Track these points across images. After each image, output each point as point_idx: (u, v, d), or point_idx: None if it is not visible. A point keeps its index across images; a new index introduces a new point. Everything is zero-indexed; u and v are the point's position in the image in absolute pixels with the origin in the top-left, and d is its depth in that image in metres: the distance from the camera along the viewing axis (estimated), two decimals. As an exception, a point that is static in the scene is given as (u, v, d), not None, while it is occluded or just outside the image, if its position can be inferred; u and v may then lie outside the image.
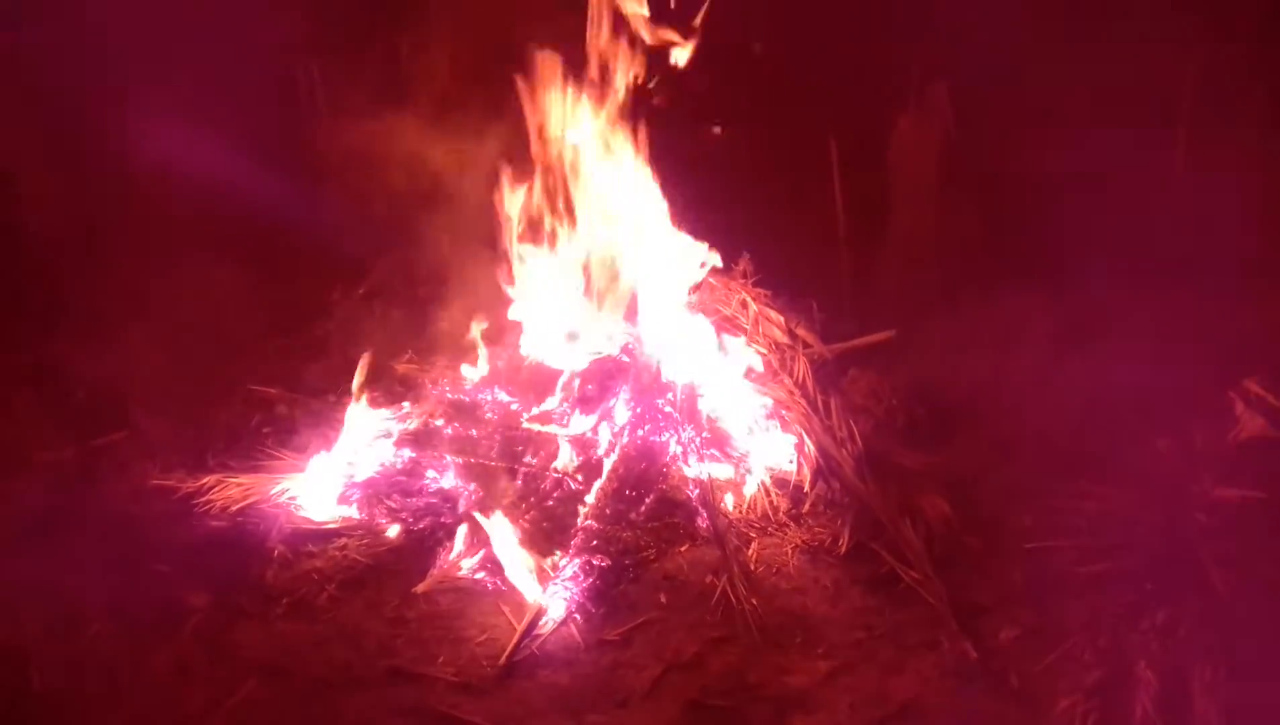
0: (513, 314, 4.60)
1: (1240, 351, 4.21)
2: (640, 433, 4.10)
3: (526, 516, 3.90)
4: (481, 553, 3.84)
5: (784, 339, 4.57)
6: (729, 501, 4.11)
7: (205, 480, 4.18)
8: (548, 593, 3.62)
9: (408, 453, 4.22)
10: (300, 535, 3.96)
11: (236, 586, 3.70)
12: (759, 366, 4.43)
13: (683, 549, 3.88)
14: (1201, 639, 3.15)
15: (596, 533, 3.82)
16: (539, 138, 4.44)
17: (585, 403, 4.22)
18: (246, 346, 5.25)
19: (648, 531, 3.91)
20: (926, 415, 4.46)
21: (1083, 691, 3.10)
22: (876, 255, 5.70)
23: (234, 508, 4.08)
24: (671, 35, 4.37)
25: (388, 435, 4.31)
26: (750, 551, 3.87)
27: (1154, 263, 4.75)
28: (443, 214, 5.29)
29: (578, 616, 3.57)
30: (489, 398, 4.38)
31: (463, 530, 3.91)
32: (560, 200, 4.51)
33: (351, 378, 4.61)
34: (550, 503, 3.98)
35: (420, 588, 3.72)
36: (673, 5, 4.41)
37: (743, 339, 4.51)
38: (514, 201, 4.52)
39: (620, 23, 4.34)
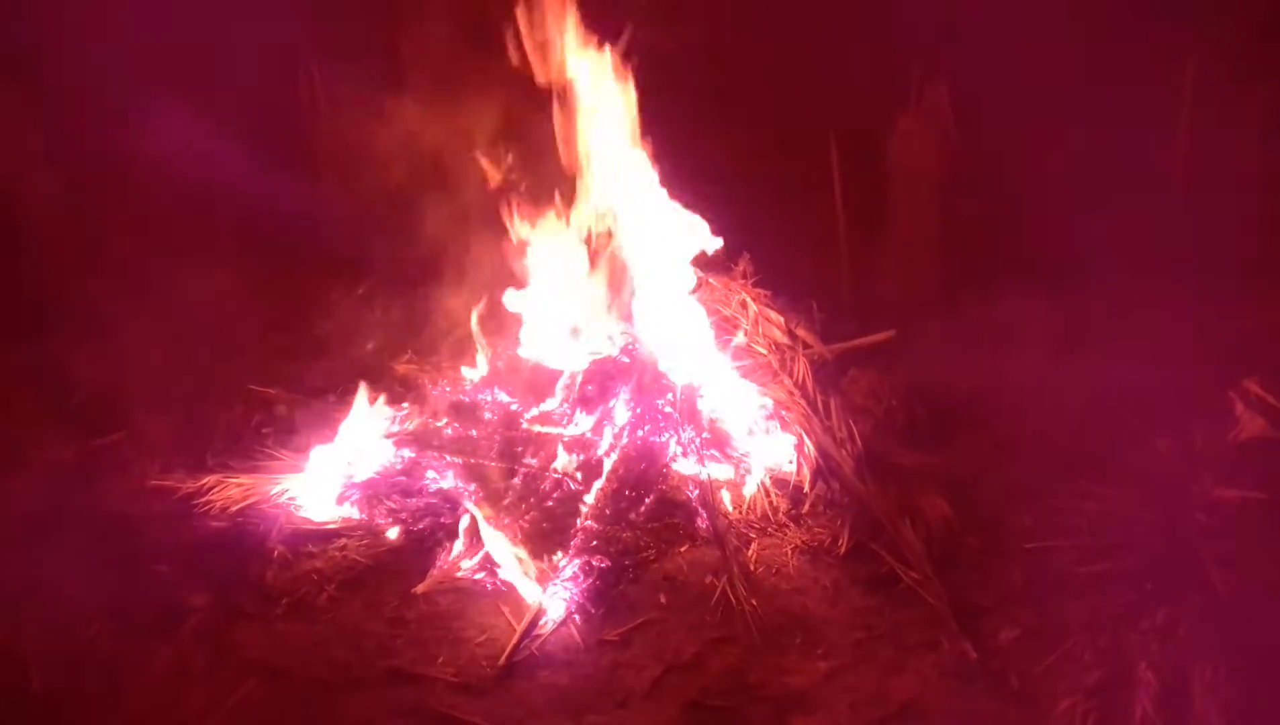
0: (514, 313, 4.60)
1: (1240, 351, 4.22)
2: (640, 433, 4.10)
3: (526, 517, 3.89)
4: (481, 553, 3.84)
5: (784, 339, 4.57)
6: (729, 502, 4.10)
7: (205, 480, 4.18)
8: (547, 593, 3.62)
9: (407, 453, 4.22)
10: (300, 536, 3.96)
11: (236, 587, 3.70)
12: (759, 367, 4.42)
13: (682, 549, 3.88)
14: (1201, 639, 3.15)
15: (596, 533, 3.82)
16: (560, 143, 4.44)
17: (585, 403, 4.22)
18: (246, 346, 5.24)
19: (647, 532, 3.91)
20: (926, 415, 4.46)
21: (1083, 692, 3.10)
22: (876, 256, 5.70)
23: (234, 508, 4.08)
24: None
25: (388, 435, 4.31)
26: (750, 552, 3.87)
27: (1154, 263, 4.75)
28: (443, 214, 5.28)
29: (577, 617, 3.57)
30: (489, 398, 4.38)
31: (463, 531, 3.91)
32: (563, 198, 4.52)
33: (352, 377, 4.61)
34: (550, 503, 3.98)
35: (420, 588, 3.72)
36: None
37: (743, 339, 4.51)
38: (518, 202, 4.53)
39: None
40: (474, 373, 4.59)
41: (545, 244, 4.58)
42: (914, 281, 5.52)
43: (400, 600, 3.68)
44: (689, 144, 4.57)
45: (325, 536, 3.98)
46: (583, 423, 4.19)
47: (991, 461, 4.15)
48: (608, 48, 4.36)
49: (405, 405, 4.52)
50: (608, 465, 4.04)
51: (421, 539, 3.96)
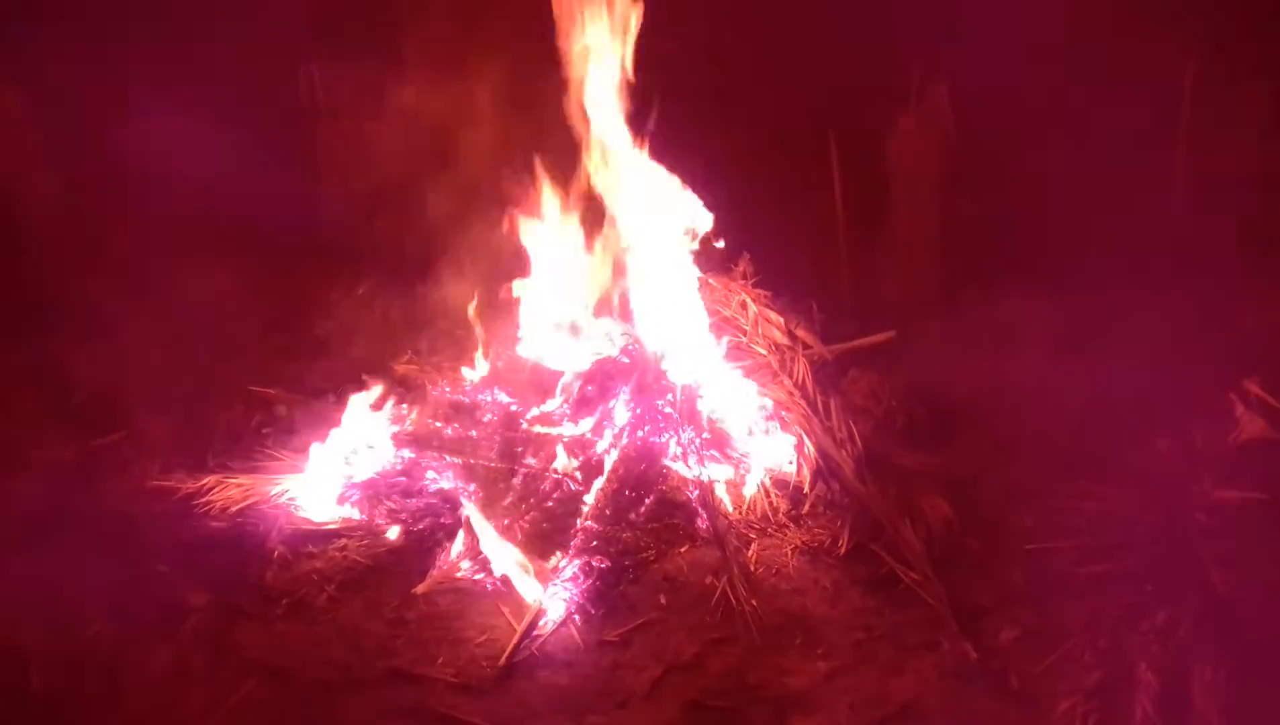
0: (514, 313, 4.60)
1: (1240, 352, 4.21)
2: (640, 433, 4.10)
3: (526, 517, 3.90)
4: (481, 553, 3.83)
5: (784, 340, 4.57)
6: (729, 502, 4.10)
7: (205, 481, 4.18)
8: (547, 594, 3.62)
9: (407, 453, 4.22)
10: (300, 536, 3.96)
11: (236, 587, 3.70)
12: (759, 367, 4.42)
13: (682, 550, 3.88)
14: (1202, 640, 3.15)
15: (596, 534, 3.82)
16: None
17: (585, 403, 4.22)
18: (246, 346, 5.24)
19: (647, 532, 3.91)
20: (926, 416, 4.45)
21: (1083, 692, 3.10)
22: (876, 256, 5.69)
23: (234, 508, 4.08)
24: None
25: (388, 436, 4.30)
26: (750, 552, 3.87)
27: (1154, 263, 4.75)
28: (443, 213, 5.29)
29: (577, 617, 3.57)
30: (489, 398, 4.38)
31: (463, 531, 3.91)
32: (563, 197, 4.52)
33: (351, 378, 4.61)
34: (550, 504, 3.98)
35: (420, 589, 3.72)
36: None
37: (743, 340, 4.52)
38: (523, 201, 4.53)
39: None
40: (474, 373, 4.59)
41: (546, 243, 4.58)
42: (914, 282, 5.52)
43: (400, 601, 3.68)
44: (689, 144, 4.55)
45: (325, 537, 3.98)
46: (583, 423, 4.19)
47: (992, 462, 4.15)
48: (611, 49, 4.36)
49: (405, 405, 4.52)
50: (608, 465, 4.04)
51: (421, 539, 3.96)
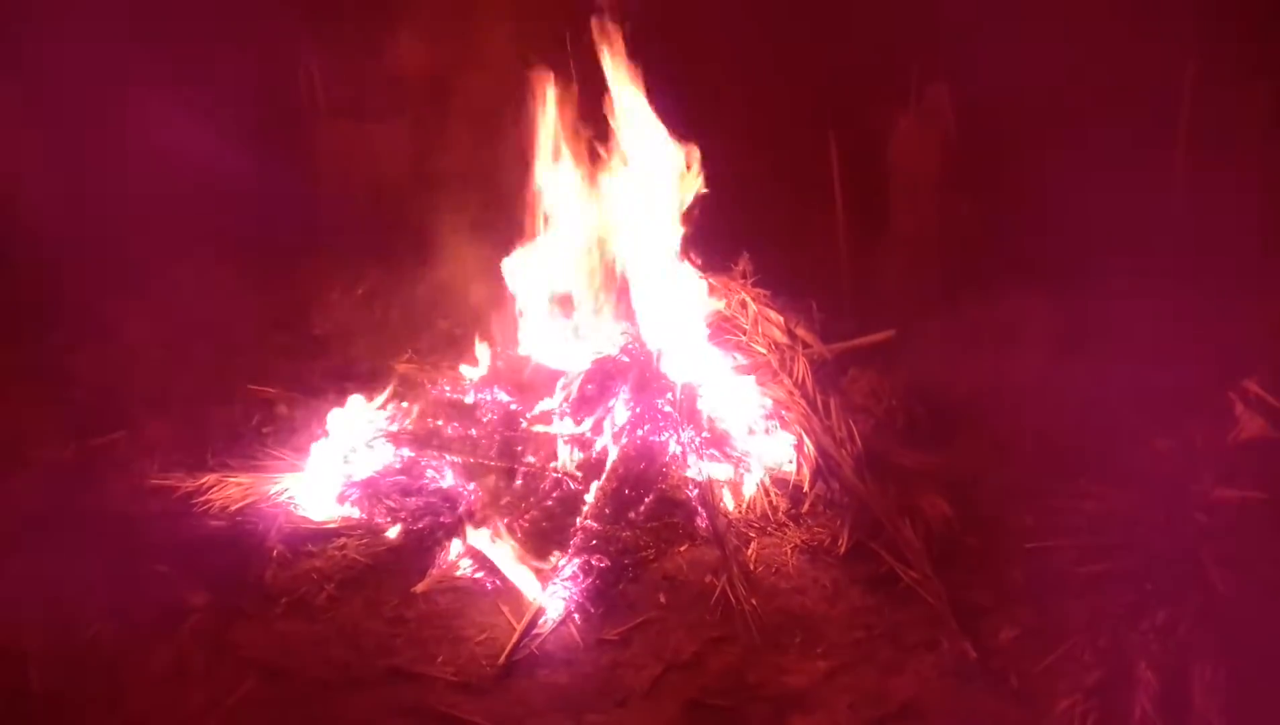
0: (514, 312, 4.61)
1: (1240, 351, 4.21)
2: (640, 432, 4.10)
3: (526, 516, 3.90)
4: (481, 553, 3.83)
5: (783, 339, 4.56)
6: (728, 501, 4.10)
7: (204, 480, 4.18)
8: (547, 592, 3.62)
9: (407, 452, 4.22)
10: (299, 535, 3.96)
11: (235, 586, 3.70)
12: (759, 366, 4.42)
13: (682, 549, 3.88)
14: (1202, 639, 3.15)
15: (596, 533, 3.82)
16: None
17: (585, 402, 4.22)
18: (246, 345, 5.24)
19: (647, 531, 3.91)
20: (926, 415, 4.46)
21: (1082, 692, 3.10)
22: (876, 255, 5.70)
23: (233, 507, 4.08)
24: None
25: (387, 435, 4.30)
26: (749, 551, 3.87)
27: (1154, 262, 4.76)
28: (444, 213, 5.29)
29: (577, 616, 3.57)
30: (488, 397, 4.38)
31: (462, 531, 3.91)
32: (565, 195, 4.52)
33: (351, 377, 4.61)
34: (549, 503, 3.98)
35: (419, 587, 3.72)
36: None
37: (743, 339, 4.52)
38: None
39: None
40: (474, 372, 4.59)
41: (546, 242, 4.58)
42: (914, 281, 5.52)
43: (400, 599, 3.67)
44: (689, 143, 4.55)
45: (325, 536, 3.98)
46: (582, 422, 4.19)
47: (991, 461, 4.15)
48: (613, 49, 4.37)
49: (405, 404, 4.52)
50: (607, 464, 4.04)
51: (421, 538, 3.95)
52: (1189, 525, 3.55)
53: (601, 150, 4.46)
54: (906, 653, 3.39)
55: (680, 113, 4.46)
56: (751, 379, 4.37)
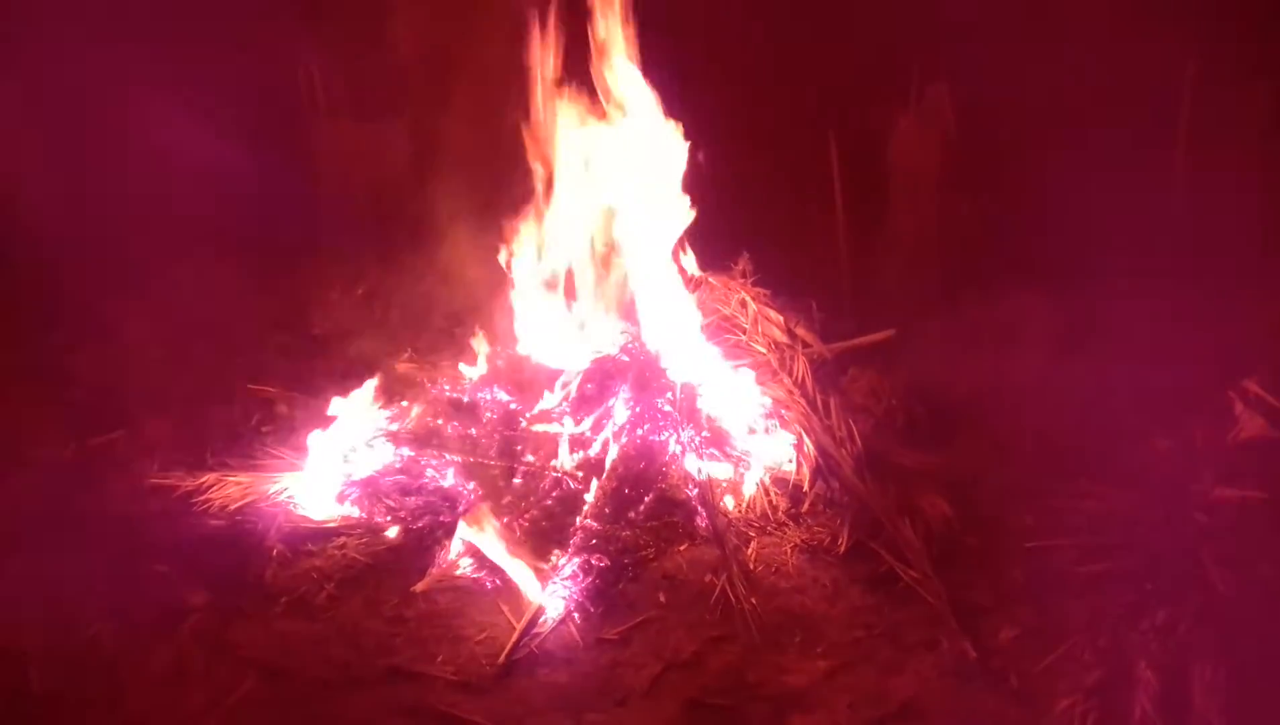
0: (515, 311, 4.61)
1: (1240, 351, 4.22)
2: (640, 432, 4.10)
3: (526, 516, 3.90)
4: (480, 552, 3.83)
5: (783, 338, 4.57)
6: (728, 501, 4.10)
7: (204, 479, 4.18)
8: (547, 592, 3.61)
9: (407, 451, 4.22)
10: (299, 534, 3.95)
11: (235, 585, 3.69)
12: (758, 366, 4.42)
13: (682, 548, 3.87)
14: (1201, 639, 3.15)
15: (595, 532, 3.82)
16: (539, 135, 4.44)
17: (585, 402, 4.22)
18: (245, 345, 5.24)
19: (647, 530, 3.91)
20: (926, 415, 4.46)
21: (1082, 691, 3.10)
22: (876, 255, 5.71)
23: (233, 506, 4.08)
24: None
25: (387, 434, 4.30)
26: (749, 551, 3.87)
27: (1154, 262, 4.76)
28: (444, 212, 5.29)
29: (577, 615, 3.57)
30: (488, 397, 4.38)
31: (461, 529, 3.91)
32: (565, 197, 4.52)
33: (351, 376, 4.61)
34: (549, 502, 3.98)
35: (419, 586, 3.72)
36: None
37: (743, 338, 4.52)
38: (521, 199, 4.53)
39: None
40: (473, 371, 4.59)
41: (546, 242, 4.58)
42: (914, 281, 5.53)
43: (400, 599, 3.67)
44: (690, 142, 4.55)
45: (324, 535, 3.98)
46: (582, 421, 4.19)
47: (991, 461, 4.15)
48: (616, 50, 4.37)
49: (404, 403, 4.52)
50: (607, 464, 4.04)
51: (421, 537, 3.95)
52: (1189, 525, 3.55)
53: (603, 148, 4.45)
54: (906, 652, 3.39)
55: (680, 112, 4.45)
56: (752, 378, 4.37)
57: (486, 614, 3.61)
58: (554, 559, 3.73)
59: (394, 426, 4.36)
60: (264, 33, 5.81)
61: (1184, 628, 3.20)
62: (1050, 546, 3.67)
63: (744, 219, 5.08)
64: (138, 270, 5.31)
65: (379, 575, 3.79)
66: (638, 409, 4.14)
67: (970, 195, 5.61)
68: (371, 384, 4.56)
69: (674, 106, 4.42)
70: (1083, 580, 3.49)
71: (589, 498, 3.96)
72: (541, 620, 3.53)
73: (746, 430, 4.28)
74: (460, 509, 3.95)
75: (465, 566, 3.80)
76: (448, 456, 4.14)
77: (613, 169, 4.44)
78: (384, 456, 4.24)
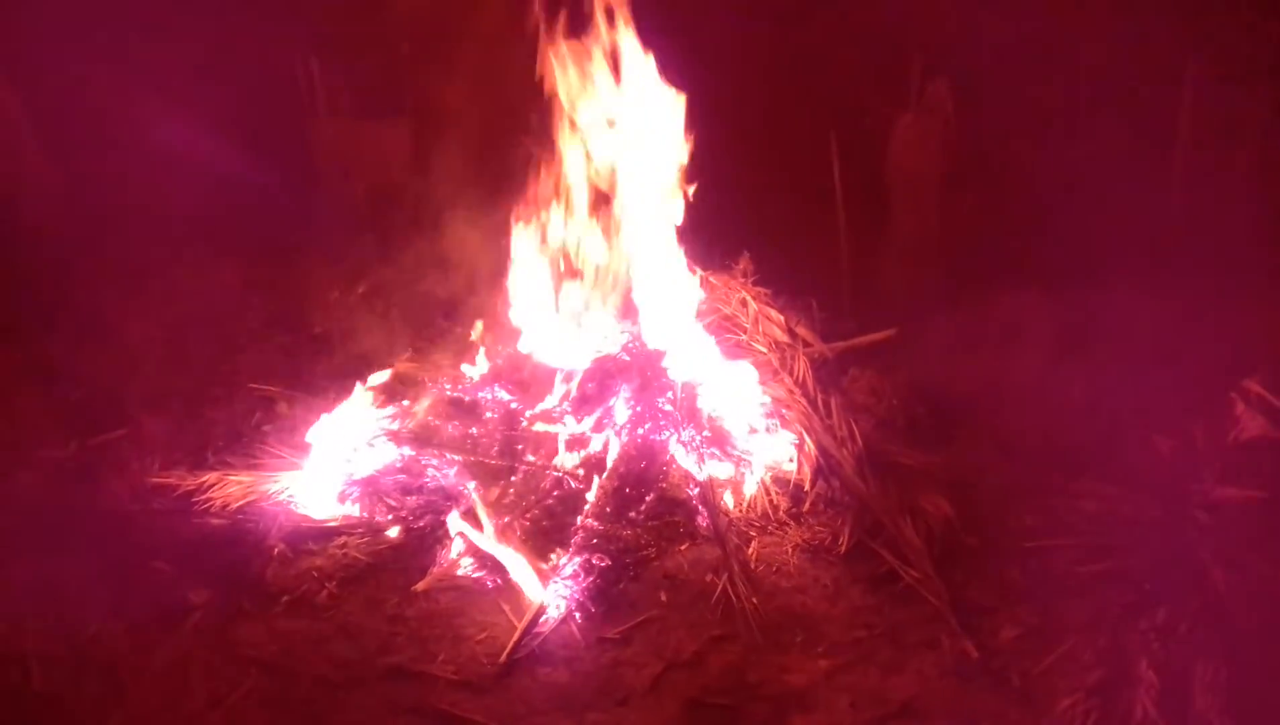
0: (514, 312, 4.61)
1: (1241, 350, 4.22)
2: (641, 431, 4.10)
3: (527, 515, 3.90)
4: (482, 551, 3.83)
5: (784, 338, 4.57)
6: (729, 500, 4.11)
7: (205, 478, 4.18)
8: (548, 591, 3.62)
9: (408, 451, 4.22)
10: (300, 533, 3.96)
11: (236, 584, 3.70)
12: (759, 365, 4.43)
13: (683, 548, 3.88)
14: (1202, 638, 3.15)
15: (597, 531, 3.82)
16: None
17: (586, 401, 4.22)
18: (246, 344, 5.25)
19: (648, 530, 3.91)
20: (927, 414, 4.46)
21: (1083, 691, 3.11)
22: (877, 254, 5.71)
23: (234, 505, 4.08)
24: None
25: (388, 433, 4.30)
26: (750, 550, 3.87)
27: (1155, 262, 4.76)
28: (444, 211, 5.29)
29: (578, 615, 3.57)
30: (489, 396, 4.38)
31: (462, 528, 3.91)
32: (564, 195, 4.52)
33: (352, 375, 4.61)
34: (551, 501, 3.98)
35: (420, 586, 3.72)
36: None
37: (743, 338, 4.52)
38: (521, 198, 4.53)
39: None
40: (474, 370, 4.59)
41: (547, 241, 4.58)
42: (915, 280, 5.53)
43: (401, 598, 3.67)
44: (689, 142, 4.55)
45: (325, 534, 3.98)
46: (583, 421, 4.19)
47: (992, 460, 4.15)
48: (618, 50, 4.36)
49: (406, 402, 4.52)
50: (608, 463, 4.04)
51: (422, 537, 3.96)
52: (1190, 525, 3.55)
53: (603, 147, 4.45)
54: (907, 652, 3.39)
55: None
56: (753, 377, 4.37)
57: (487, 613, 3.61)
58: (555, 558, 3.73)
59: (395, 425, 4.36)
60: (265, 32, 5.82)
61: (1185, 627, 3.20)
62: (1051, 546, 3.68)
63: (745, 218, 5.07)
64: (138, 269, 5.32)
65: (380, 574, 3.79)
66: (639, 408, 4.14)
67: (972, 194, 5.61)
68: (373, 383, 4.56)
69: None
70: (1084, 580, 3.50)
71: (590, 497, 3.96)
72: (543, 619, 3.54)
73: (747, 430, 4.29)
74: (461, 508, 3.96)
75: (466, 566, 3.81)
76: (449, 456, 4.14)
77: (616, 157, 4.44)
78: (385, 456, 4.24)
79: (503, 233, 4.65)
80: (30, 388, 4.71)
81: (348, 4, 6.20)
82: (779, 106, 6.02)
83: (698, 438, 4.13)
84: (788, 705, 3.21)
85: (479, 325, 4.68)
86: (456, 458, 4.13)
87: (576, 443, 4.15)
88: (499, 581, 3.73)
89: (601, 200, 4.50)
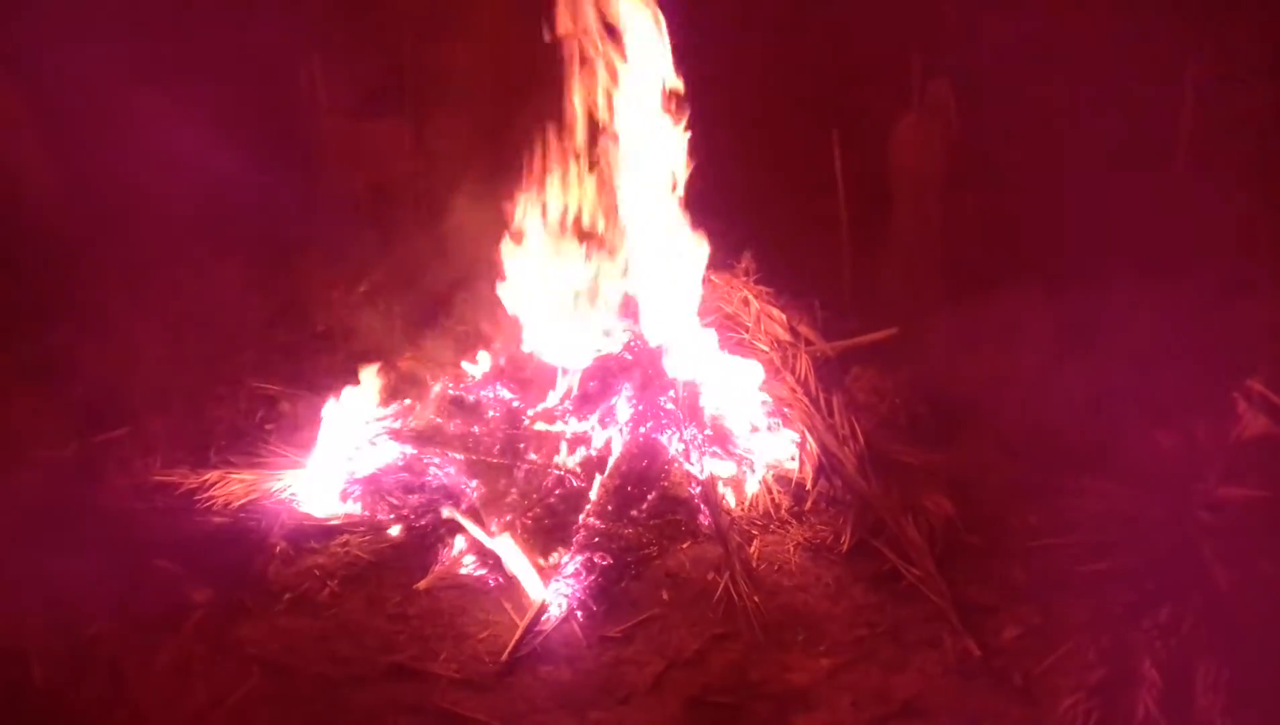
0: (515, 311, 4.60)
1: (1243, 349, 4.21)
2: (642, 430, 4.10)
3: (529, 514, 3.90)
4: (484, 549, 3.83)
5: (786, 337, 4.57)
6: (731, 499, 4.10)
7: (207, 476, 4.19)
8: (550, 590, 3.62)
9: (410, 449, 4.22)
10: (302, 531, 3.96)
11: (239, 582, 3.70)
12: (761, 364, 4.42)
13: (685, 546, 3.88)
14: (1204, 637, 3.15)
15: (598, 530, 3.82)
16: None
17: (587, 400, 4.22)
18: (249, 342, 5.24)
19: (650, 529, 3.91)
20: (929, 413, 4.46)
21: (1085, 690, 3.10)
22: (879, 253, 5.70)
23: (236, 504, 4.09)
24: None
25: (390, 432, 4.30)
26: (752, 549, 3.87)
27: (1157, 260, 4.75)
28: (444, 210, 5.28)
29: (580, 613, 3.57)
30: (491, 395, 4.38)
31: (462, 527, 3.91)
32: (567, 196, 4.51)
33: (354, 374, 4.61)
34: (552, 500, 3.98)
35: (422, 584, 3.72)
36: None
37: (745, 336, 4.52)
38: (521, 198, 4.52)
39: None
40: (476, 369, 4.59)
41: (549, 241, 4.58)
42: (917, 279, 5.52)
43: (402, 596, 3.68)
44: (691, 141, 4.55)
45: (327, 532, 3.98)
46: (585, 419, 4.19)
47: (994, 459, 4.15)
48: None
49: (408, 401, 4.52)
50: (610, 462, 4.04)
51: (424, 535, 3.96)
52: (1192, 523, 3.55)
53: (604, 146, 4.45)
54: (909, 650, 3.39)
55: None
56: (754, 376, 4.37)
57: (489, 612, 3.61)
58: (557, 557, 3.73)
59: (397, 424, 4.36)
60: (265, 32, 5.81)
61: (1187, 626, 3.20)
62: (1053, 545, 3.68)
63: (747, 217, 5.07)
64: (140, 268, 5.31)
65: (382, 573, 3.79)
66: (641, 407, 4.14)
67: (973, 193, 5.61)
68: (375, 382, 4.56)
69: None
70: (1086, 579, 3.49)
71: (592, 495, 3.96)
72: (545, 618, 3.54)
73: (749, 428, 4.29)
74: (463, 507, 3.96)
75: (468, 564, 3.81)
76: (451, 454, 4.14)
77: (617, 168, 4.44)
78: (387, 454, 4.24)
79: (507, 230, 4.64)
80: (32, 386, 4.71)
81: (349, 1, 6.20)
82: (780, 106, 6.02)
83: (700, 436, 4.13)
84: (789, 704, 3.21)
85: (481, 323, 4.65)
86: (458, 456, 4.13)
87: (578, 441, 4.14)
88: (501, 580, 3.74)
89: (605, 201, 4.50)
